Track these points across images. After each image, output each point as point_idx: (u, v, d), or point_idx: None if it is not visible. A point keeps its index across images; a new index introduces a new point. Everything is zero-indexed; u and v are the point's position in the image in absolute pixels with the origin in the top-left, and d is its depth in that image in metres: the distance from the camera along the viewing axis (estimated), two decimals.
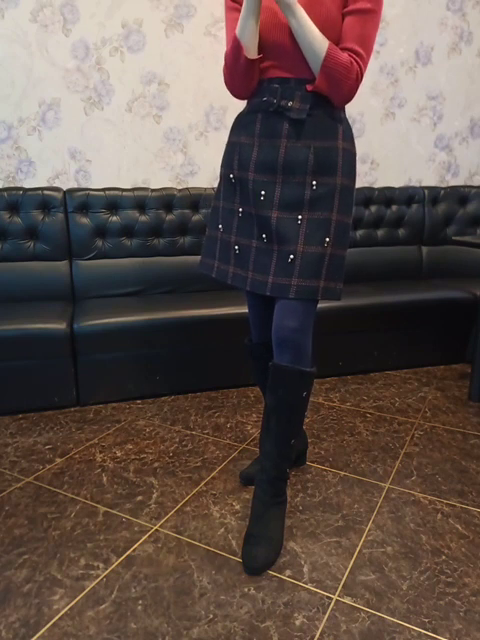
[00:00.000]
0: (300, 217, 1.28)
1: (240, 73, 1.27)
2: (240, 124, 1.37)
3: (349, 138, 1.32)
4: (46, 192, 2.50)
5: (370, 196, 2.97)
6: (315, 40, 1.19)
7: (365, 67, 1.25)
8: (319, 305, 2.38)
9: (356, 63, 1.22)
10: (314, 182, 1.27)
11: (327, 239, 1.29)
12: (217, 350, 2.36)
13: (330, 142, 1.28)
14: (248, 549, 1.33)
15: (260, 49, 1.26)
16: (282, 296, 1.31)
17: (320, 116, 1.27)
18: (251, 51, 1.24)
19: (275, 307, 1.35)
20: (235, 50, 1.24)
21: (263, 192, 1.30)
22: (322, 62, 1.20)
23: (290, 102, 1.25)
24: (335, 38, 1.23)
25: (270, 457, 1.40)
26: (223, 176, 1.42)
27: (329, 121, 1.28)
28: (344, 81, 1.22)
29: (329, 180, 1.28)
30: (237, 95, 1.36)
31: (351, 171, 1.33)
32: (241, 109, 1.41)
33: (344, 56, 1.20)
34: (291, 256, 1.28)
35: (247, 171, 1.32)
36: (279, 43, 1.24)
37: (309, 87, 1.24)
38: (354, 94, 1.26)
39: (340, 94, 1.24)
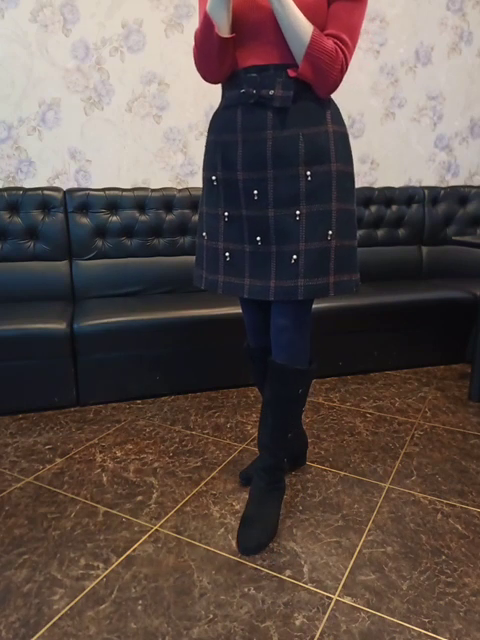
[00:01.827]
0: (298, 212, 1.20)
1: (212, 54, 1.16)
2: (219, 121, 1.27)
3: (339, 121, 1.24)
4: (46, 192, 2.50)
5: (370, 196, 2.97)
6: (299, 25, 1.10)
7: (350, 57, 1.17)
8: (320, 305, 2.43)
9: (342, 52, 1.15)
10: (308, 172, 1.19)
11: (330, 232, 1.21)
12: (217, 350, 2.36)
13: (319, 127, 1.19)
14: (243, 531, 1.36)
15: (235, 34, 1.17)
16: (289, 299, 1.23)
17: (305, 102, 1.18)
18: (223, 29, 1.13)
19: (271, 308, 1.34)
20: (206, 28, 1.13)
21: (256, 191, 1.22)
22: (306, 49, 1.12)
23: (271, 91, 1.16)
24: (320, 25, 1.15)
25: (267, 448, 1.43)
26: (205, 179, 1.33)
27: (315, 106, 1.19)
28: (329, 71, 1.14)
29: (324, 168, 1.20)
30: (208, 78, 1.25)
31: (346, 154, 1.24)
32: None
33: (329, 43, 1.13)
34: (294, 256, 1.21)
35: (234, 171, 1.23)
36: (257, 26, 1.14)
37: (292, 73, 1.16)
38: (339, 84, 1.18)
39: (325, 84, 1.17)
